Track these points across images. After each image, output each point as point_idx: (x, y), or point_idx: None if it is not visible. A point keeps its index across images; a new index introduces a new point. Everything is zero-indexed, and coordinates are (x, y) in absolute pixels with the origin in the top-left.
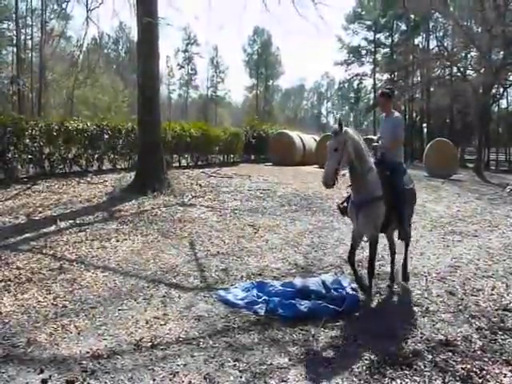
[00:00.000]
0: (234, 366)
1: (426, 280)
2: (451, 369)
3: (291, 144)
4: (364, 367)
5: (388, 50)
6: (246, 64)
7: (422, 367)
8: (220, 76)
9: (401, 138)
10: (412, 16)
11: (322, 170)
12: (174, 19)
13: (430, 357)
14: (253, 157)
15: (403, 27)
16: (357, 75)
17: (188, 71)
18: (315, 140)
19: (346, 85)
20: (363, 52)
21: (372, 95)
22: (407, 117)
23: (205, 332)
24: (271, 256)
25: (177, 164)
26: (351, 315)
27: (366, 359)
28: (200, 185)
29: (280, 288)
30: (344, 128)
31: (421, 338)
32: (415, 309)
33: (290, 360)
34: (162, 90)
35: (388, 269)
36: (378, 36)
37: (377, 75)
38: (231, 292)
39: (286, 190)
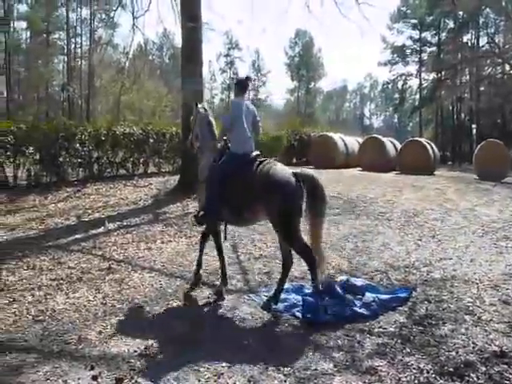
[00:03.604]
0: (278, 369)
1: (478, 288)
2: (507, 382)
3: (333, 146)
4: (412, 376)
5: (434, 48)
6: (288, 67)
7: (475, 379)
8: (261, 79)
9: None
10: (460, 13)
11: (366, 173)
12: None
13: (484, 369)
14: (294, 160)
15: (451, 25)
16: (401, 75)
17: (230, 75)
18: (358, 142)
19: (389, 85)
20: (408, 51)
21: (418, 96)
22: (455, 117)
23: (248, 334)
24: None
25: None
26: (396, 322)
27: (414, 368)
28: None
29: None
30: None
31: (473, 348)
32: (466, 317)
33: (334, 366)
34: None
35: (436, 275)
36: (423, 34)
37: (423, 75)
38: (271, 294)
39: (329, 193)
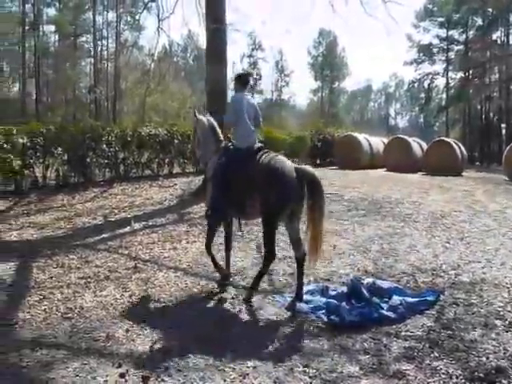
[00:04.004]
0: (304, 371)
1: (509, 292)
2: None
3: (358, 147)
4: (441, 382)
5: (462, 46)
6: (311, 67)
7: None
8: (285, 80)
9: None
10: (489, 10)
11: (392, 173)
12: (240, 25)
13: None
14: (318, 160)
15: (479, 22)
16: (428, 74)
17: (253, 76)
18: (383, 142)
19: (415, 85)
20: (435, 50)
21: (444, 95)
22: (483, 117)
23: (273, 336)
24: (339, 261)
25: None
26: (424, 326)
27: (443, 373)
28: None
29: (343, 293)
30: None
31: (504, 353)
32: (497, 322)
33: (361, 369)
34: (229, 95)
35: (465, 278)
36: (450, 33)
37: (450, 74)
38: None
39: (354, 194)
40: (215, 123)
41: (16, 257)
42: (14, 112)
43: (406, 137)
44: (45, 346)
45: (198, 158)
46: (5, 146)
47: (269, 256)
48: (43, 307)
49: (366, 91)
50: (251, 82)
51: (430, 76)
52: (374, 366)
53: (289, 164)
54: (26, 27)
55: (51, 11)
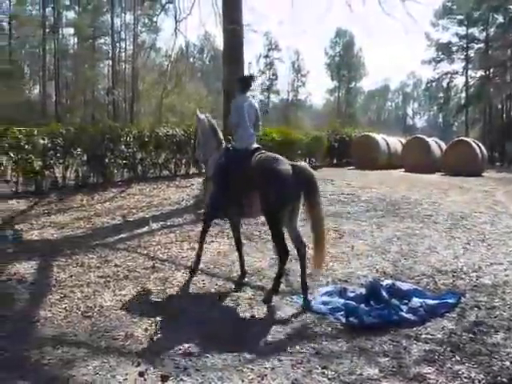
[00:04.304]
0: (323, 373)
1: None
2: None
3: (375, 147)
4: None
5: (482, 45)
6: (328, 67)
7: None
8: (301, 80)
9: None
10: (510, 6)
11: (410, 174)
12: (257, 25)
13: None
14: (335, 161)
15: (500, 19)
16: (446, 73)
17: (269, 76)
18: (401, 142)
19: (434, 84)
20: (454, 48)
21: (464, 94)
22: (504, 116)
23: (291, 336)
24: (357, 262)
25: None
26: (444, 328)
27: (465, 377)
28: None
29: (362, 294)
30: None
31: None
32: None
33: (380, 372)
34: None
35: (487, 281)
36: (470, 31)
37: (469, 72)
38: (314, 297)
39: (371, 195)
40: (215, 122)
41: (37, 256)
42: (34, 113)
43: (424, 137)
44: (66, 343)
45: (196, 158)
46: (26, 146)
47: (282, 254)
48: (64, 305)
49: (384, 91)
50: (253, 85)
51: (449, 75)
52: (394, 369)
53: (286, 163)
54: (46, 30)
55: (70, 14)
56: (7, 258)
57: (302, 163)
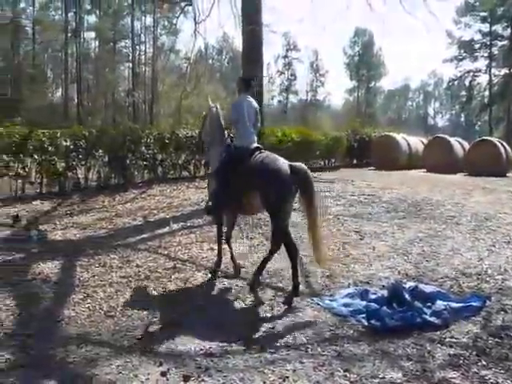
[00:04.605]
0: (345, 376)
1: None
2: None
3: (396, 147)
4: None
5: (506, 42)
6: (347, 66)
7: None
8: (320, 80)
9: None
10: None
11: (432, 174)
12: (276, 26)
13: None
14: (355, 161)
15: None
16: (469, 72)
17: (288, 77)
18: (422, 142)
19: (456, 82)
20: (476, 46)
21: (487, 93)
22: None
23: (313, 339)
24: (379, 264)
25: None
26: (469, 332)
27: (491, 383)
28: None
29: (384, 296)
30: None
31: None
32: None
33: (404, 375)
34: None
35: None
36: (494, 28)
37: (493, 70)
38: (336, 299)
39: (392, 196)
40: (222, 114)
41: (61, 256)
42: (57, 116)
43: (446, 136)
44: (89, 342)
45: (204, 148)
46: (49, 148)
47: (276, 248)
48: (87, 305)
49: (404, 90)
50: (253, 86)
51: (472, 73)
52: (418, 373)
53: (283, 162)
54: (69, 34)
55: (92, 18)
56: (32, 258)
57: (299, 163)
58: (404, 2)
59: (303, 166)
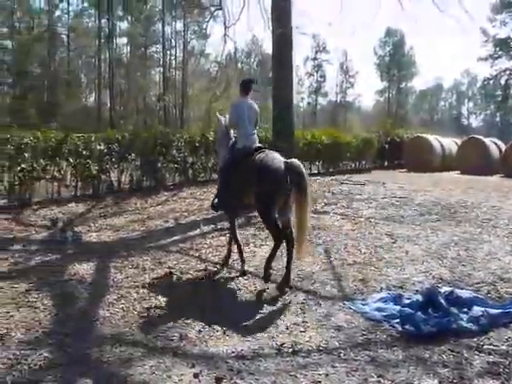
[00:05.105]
0: (379, 382)
1: None
2: None
3: (429, 148)
4: None
5: None
6: (377, 67)
7: None
8: (349, 81)
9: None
10: None
11: (466, 176)
12: (306, 28)
13: None
14: (386, 163)
15: None
16: (505, 70)
17: (317, 78)
18: (456, 144)
19: (491, 82)
20: None
21: None
22: None
23: (345, 343)
24: (412, 268)
25: (308, 171)
26: (509, 340)
27: None
28: (332, 192)
29: (418, 301)
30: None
31: None
32: None
33: (440, 383)
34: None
35: None
36: None
37: None
38: (368, 303)
39: (425, 198)
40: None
41: (96, 257)
42: (91, 120)
43: (481, 137)
44: (123, 343)
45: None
46: (84, 152)
47: (277, 239)
48: (121, 306)
49: (436, 90)
50: (253, 88)
51: (508, 72)
52: (455, 381)
53: (279, 160)
54: (102, 40)
55: (124, 24)
56: (68, 259)
57: (294, 159)
58: (437, 0)
59: (297, 161)
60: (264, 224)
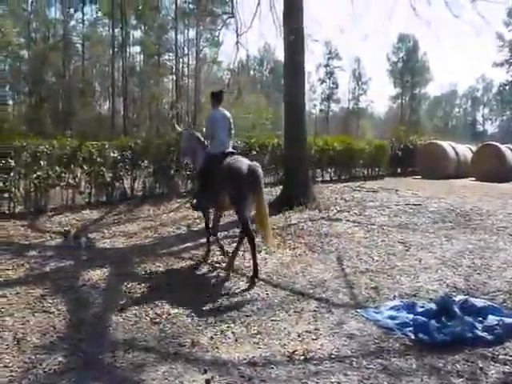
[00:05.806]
0: None
1: None
2: None
3: (443, 155)
4: None
5: None
6: (390, 73)
7: None
8: (362, 88)
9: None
10: None
11: (481, 183)
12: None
13: None
14: (399, 170)
15: None
16: None
17: (329, 85)
18: (471, 150)
19: (507, 87)
20: None
21: None
22: None
23: (357, 351)
24: (426, 276)
25: (320, 178)
26: None
27: None
28: (344, 199)
29: (432, 309)
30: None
31: None
32: None
33: None
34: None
35: None
36: None
37: None
38: (381, 311)
39: (439, 205)
40: (197, 134)
41: (109, 263)
42: (105, 128)
43: (497, 143)
44: (136, 348)
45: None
46: (98, 159)
47: (248, 238)
48: (134, 311)
49: (451, 96)
50: (224, 98)
51: None
52: None
53: (245, 163)
54: (115, 49)
55: (137, 33)
56: (82, 265)
57: (254, 163)
58: (450, 4)
59: (256, 165)
60: (240, 221)
